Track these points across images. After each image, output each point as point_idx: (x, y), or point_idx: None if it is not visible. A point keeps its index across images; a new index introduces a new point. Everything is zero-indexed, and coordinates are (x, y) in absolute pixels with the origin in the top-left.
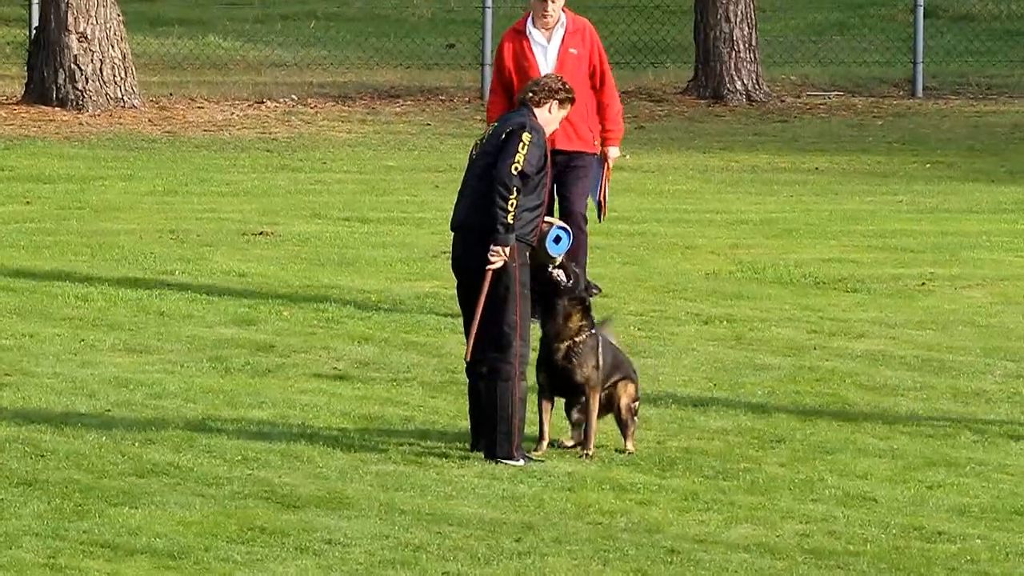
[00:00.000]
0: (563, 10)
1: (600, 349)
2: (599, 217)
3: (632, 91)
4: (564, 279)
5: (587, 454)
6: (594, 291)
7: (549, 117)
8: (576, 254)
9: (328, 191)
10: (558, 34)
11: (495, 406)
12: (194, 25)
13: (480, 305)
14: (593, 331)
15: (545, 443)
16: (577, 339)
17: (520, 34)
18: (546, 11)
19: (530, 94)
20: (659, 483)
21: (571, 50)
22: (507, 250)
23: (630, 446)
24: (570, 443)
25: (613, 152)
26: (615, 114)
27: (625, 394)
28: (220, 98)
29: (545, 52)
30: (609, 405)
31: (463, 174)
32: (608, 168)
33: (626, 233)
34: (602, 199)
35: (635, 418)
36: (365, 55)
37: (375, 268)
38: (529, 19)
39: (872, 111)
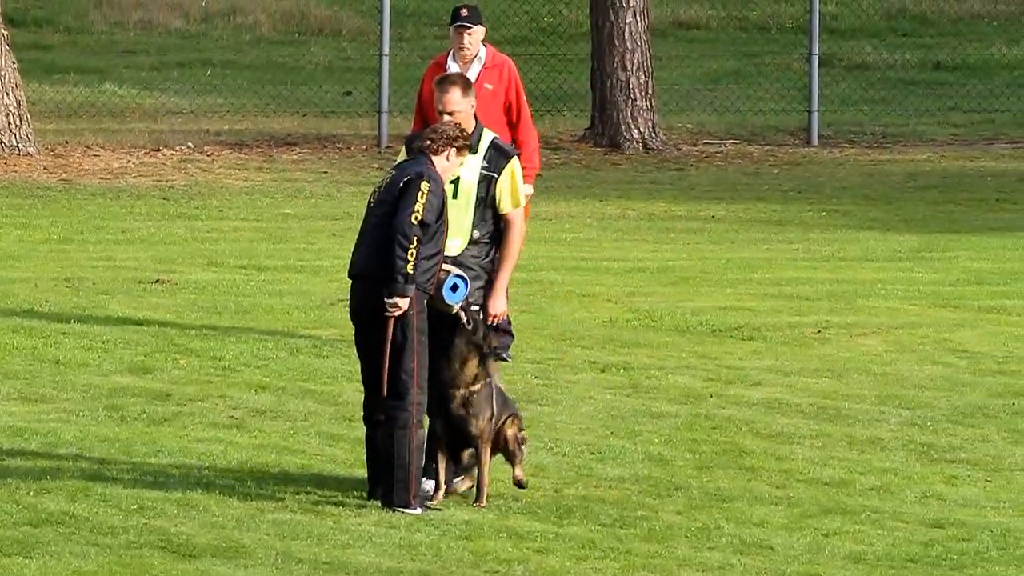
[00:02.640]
0: (485, 44)
1: (493, 398)
2: None
3: None
4: (465, 321)
5: (479, 505)
6: (499, 352)
7: (447, 164)
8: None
9: (225, 239)
10: (475, 69)
11: (392, 454)
12: (90, 73)
13: (387, 348)
14: (488, 380)
15: (441, 492)
16: (473, 388)
17: (440, 68)
18: (462, 43)
19: (428, 142)
20: (556, 531)
21: (486, 85)
22: (406, 301)
23: (519, 473)
24: (463, 487)
25: (525, 189)
26: (530, 151)
27: (512, 427)
28: (116, 146)
29: None
30: (496, 442)
31: (360, 222)
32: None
33: (523, 281)
34: None
35: (522, 448)
36: (262, 102)
37: (272, 316)
38: (450, 53)
39: (768, 159)
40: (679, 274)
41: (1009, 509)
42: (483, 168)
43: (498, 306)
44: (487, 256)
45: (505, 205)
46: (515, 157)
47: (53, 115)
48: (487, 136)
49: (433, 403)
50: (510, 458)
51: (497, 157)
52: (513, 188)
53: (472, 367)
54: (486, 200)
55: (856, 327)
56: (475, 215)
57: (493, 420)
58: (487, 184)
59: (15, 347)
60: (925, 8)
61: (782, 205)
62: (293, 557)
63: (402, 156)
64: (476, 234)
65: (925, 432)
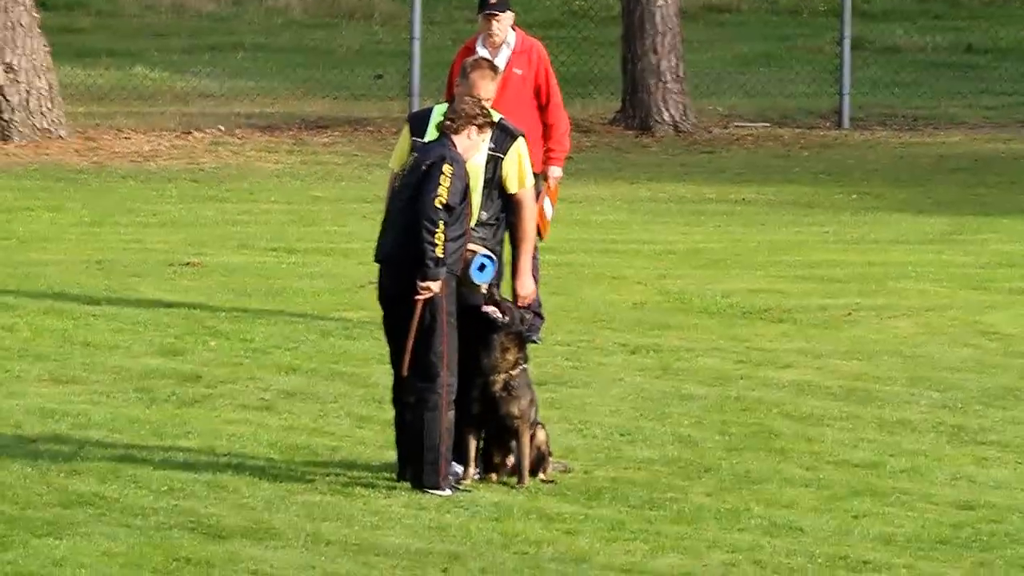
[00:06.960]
0: (514, 29)
1: (531, 383)
2: (539, 236)
3: None
4: (500, 316)
5: (522, 486)
6: (528, 335)
7: (469, 143)
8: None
9: (255, 221)
10: (504, 54)
11: (422, 435)
12: (121, 56)
13: (413, 329)
14: (526, 365)
15: (471, 469)
16: (513, 372)
17: (469, 52)
18: (491, 30)
19: (447, 122)
20: (586, 513)
21: (516, 70)
22: (438, 284)
23: (549, 473)
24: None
25: (555, 172)
26: (560, 134)
27: (541, 431)
28: (147, 128)
29: None
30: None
31: (385, 205)
32: (549, 188)
33: (553, 264)
34: (540, 218)
35: (550, 452)
36: (293, 86)
37: (302, 298)
38: (479, 39)
39: (799, 142)
40: (709, 256)
41: None
42: (490, 149)
43: (526, 287)
44: (494, 236)
45: (512, 185)
46: (521, 137)
47: (84, 98)
48: (493, 116)
49: (471, 390)
50: (540, 461)
51: (503, 138)
52: (520, 168)
53: (512, 354)
54: (493, 181)
55: (887, 309)
56: (483, 196)
57: (534, 403)
58: (494, 165)
59: (46, 329)
60: None
61: (813, 188)
62: (323, 538)
63: (405, 133)
64: (484, 215)
65: (955, 414)
